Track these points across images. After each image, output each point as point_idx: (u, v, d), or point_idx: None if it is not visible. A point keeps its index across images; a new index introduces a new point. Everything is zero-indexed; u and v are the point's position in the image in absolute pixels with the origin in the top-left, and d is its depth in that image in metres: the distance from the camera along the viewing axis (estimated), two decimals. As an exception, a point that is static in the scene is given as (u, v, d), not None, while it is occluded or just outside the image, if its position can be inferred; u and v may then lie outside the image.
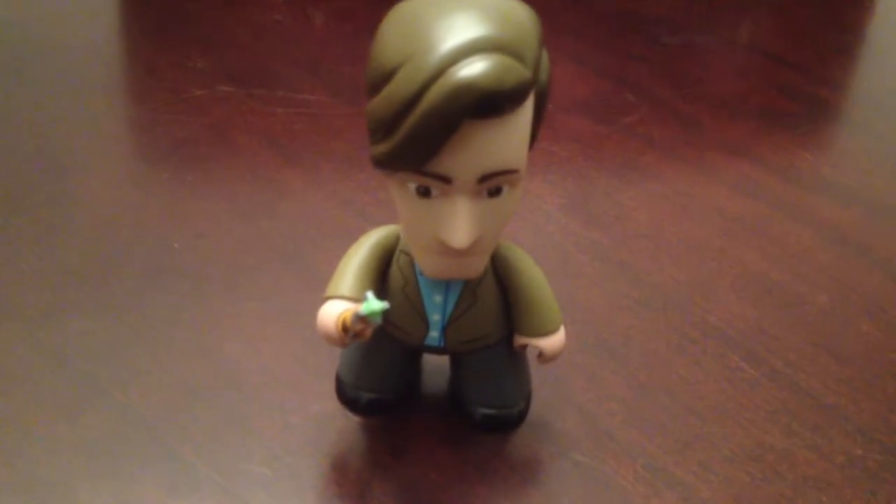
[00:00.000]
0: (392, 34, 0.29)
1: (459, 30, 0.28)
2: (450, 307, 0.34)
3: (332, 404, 0.37)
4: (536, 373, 0.38)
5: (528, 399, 0.37)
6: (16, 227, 0.46)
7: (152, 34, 0.64)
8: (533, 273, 0.34)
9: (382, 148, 0.29)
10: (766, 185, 0.54)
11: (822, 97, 0.63)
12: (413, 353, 0.37)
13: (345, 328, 0.31)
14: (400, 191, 0.30)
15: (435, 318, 0.34)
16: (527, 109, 0.29)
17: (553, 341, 0.34)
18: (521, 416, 0.37)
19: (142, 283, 0.43)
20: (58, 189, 0.49)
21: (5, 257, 0.44)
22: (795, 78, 0.65)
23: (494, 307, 0.34)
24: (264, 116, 0.56)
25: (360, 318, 0.30)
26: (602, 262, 0.47)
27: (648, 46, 0.68)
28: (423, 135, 0.28)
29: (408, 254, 0.33)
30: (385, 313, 0.30)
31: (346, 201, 0.50)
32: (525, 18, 0.29)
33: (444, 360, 0.38)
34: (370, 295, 0.29)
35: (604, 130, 0.57)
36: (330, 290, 0.33)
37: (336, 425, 0.37)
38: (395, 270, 0.34)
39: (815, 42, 0.71)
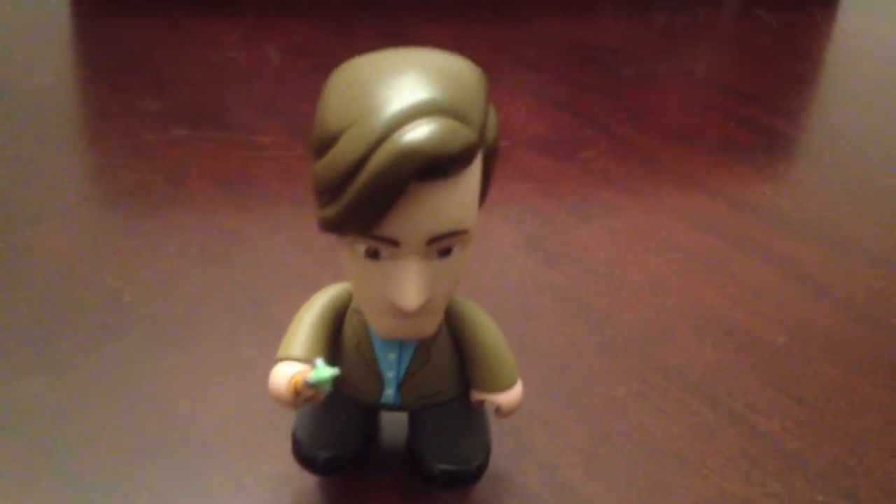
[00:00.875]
0: (336, 97, 0.28)
1: (403, 93, 0.27)
2: (404, 365, 0.33)
3: (288, 463, 0.37)
4: (495, 425, 0.37)
5: (487, 453, 0.37)
6: (-37, 283, 0.45)
7: (105, 76, 0.64)
8: (488, 328, 0.34)
9: (329, 212, 0.29)
10: (725, 220, 0.54)
11: (779, 129, 0.64)
12: (370, 411, 0.36)
13: (297, 391, 0.30)
14: (349, 253, 0.30)
15: (389, 375, 0.33)
16: (474, 170, 0.29)
17: (510, 397, 0.34)
18: (480, 471, 0.37)
19: (94, 339, 0.43)
20: (8, 241, 0.48)
21: (-48, 315, 0.43)
22: (753, 109, 0.66)
23: (450, 363, 0.34)
24: (219, 160, 0.56)
25: (310, 385, 0.29)
26: (561, 304, 0.47)
27: (606, 77, 0.68)
28: (369, 199, 0.27)
29: (360, 313, 0.33)
30: (340, 373, 0.29)
31: (304, 246, 0.49)
32: (470, 78, 0.29)
33: (402, 417, 0.37)
34: (320, 362, 0.29)
35: (561, 167, 0.57)
36: (281, 352, 0.32)
37: (292, 485, 0.36)
38: (348, 329, 0.33)
39: (773, 71, 0.71)
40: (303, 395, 0.30)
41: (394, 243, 0.28)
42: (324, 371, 0.28)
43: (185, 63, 0.66)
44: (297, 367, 0.31)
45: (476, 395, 0.34)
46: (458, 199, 0.28)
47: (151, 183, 0.53)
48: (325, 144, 0.28)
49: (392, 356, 0.33)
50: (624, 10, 0.79)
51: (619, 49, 0.72)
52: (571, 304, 0.47)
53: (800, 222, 0.54)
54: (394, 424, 0.38)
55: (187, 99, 0.61)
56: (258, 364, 0.41)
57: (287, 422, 0.37)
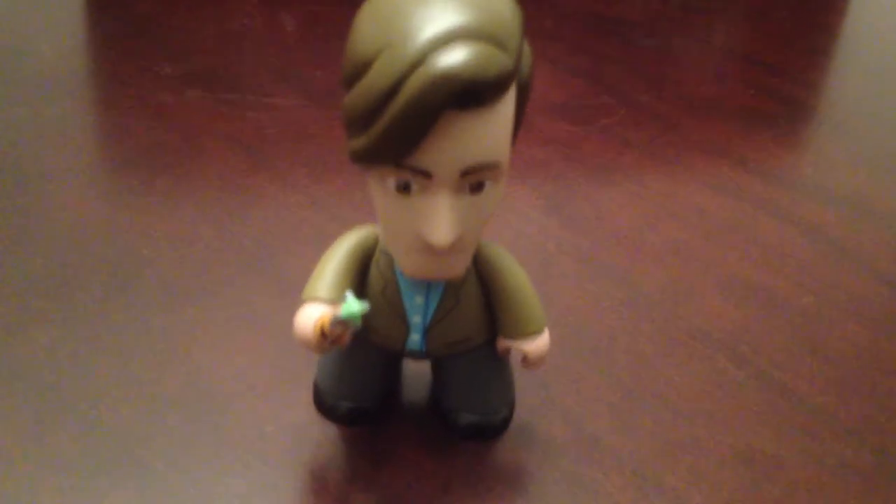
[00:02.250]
0: (368, 24, 0.27)
1: (439, 17, 0.26)
2: (431, 309, 0.32)
3: (310, 413, 0.36)
4: (520, 378, 0.37)
5: (511, 405, 0.36)
6: (-23, 236, 0.44)
7: (119, 41, 0.63)
8: (516, 274, 0.33)
9: (360, 142, 0.28)
10: (747, 186, 0.53)
11: (799, 98, 0.63)
12: (394, 359, 0.36)
13: (323, 333, 0.30)
14: (379, 187, 0.29)
15: (416, 320, 0.33)
16: (509, 101, 0.28)
17: (537, 344, 0.33)
18: (505, 423, 0.36)
19: (110, 292, 0.42)
20: (25, 198, 0.47)
21: (-34, 267, 0.43)
22: (772, 79, 0.65)
23: (477, 309, 0.33)
24: (234, 121, 0.55)
25: (340, 322, 0.28)
26: (584, 264, 0.46)
27: (624, 49, 0.67)
28: (402, 127, 0.27)
29: (387, 255, 0.32)
30: (365, 317, 0.29)
31: (320, 205, 0.48)
32: (507, 7, 0.28)
33: (425, 367, 0.37)
34: (349, 295, 0.28)
35: (581, 132, 0.57)
36: (307, 293, 0.32)
37: (314, 435, 0.36)
38: (374, 272, 0.33)
39: (791, 43, 0.70)
40: (330, 335, 0.29)
41: (426, 175, 0.28)
42: (354, 305, 0.28)
43: (199, 29, 0.65)
44: (322, 309, 0.31)
45: (503, 342, 0.34)
46: (493, 130, 0.28)
47: (166, 142, 0.52)
48: (356, 73, 0.27)
49: (419, 300, 0.32)
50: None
51: (637, 21, 0.72)
52: (594, 265, 0.46)
53: (821, 187, 0.53)
54: (417, 376, 0.38)
55: (201, 63, 0.61)
56: (274, 317, 0.41)
57: (307, 372, 0.37)
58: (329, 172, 0.51)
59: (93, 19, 0.67)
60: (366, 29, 0.27)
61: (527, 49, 0.29)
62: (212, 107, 0.56)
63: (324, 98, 0.57)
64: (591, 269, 0.46)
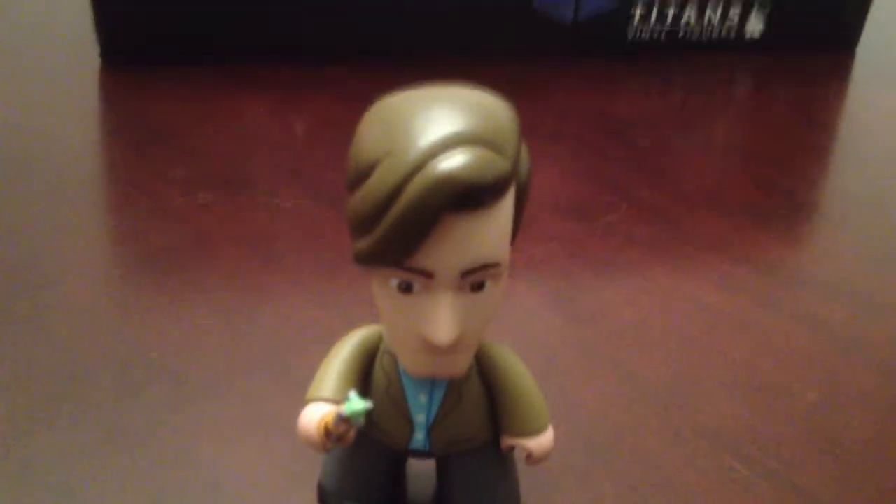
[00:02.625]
0: (371, 130, 0.29)
1: (438, 124, 0.28)
2: (434, 407, 0.33)
3: (315, 514, 0.36)
4: (525, 477, 0.37)
5: None
6: (-8, 338, 0.45)
7: (134, 146, 0.65)
8: (519, 371, 0.34)
9: (363, 244, 0.29)
10: (749, 281, 0.54)
11: (799, 193, 0.64)
12: (398, 459, 0.36)
13: (327, 432, 0.30)
14: (381, 288, 0.30)
15: (420, 418, 0.33)
16: (507, 203, 0.29)
17: (541, 441, 0.33)
18: (511, 522, 0.36)
19: (121, 391, 0.42)
20: (39, 298, 0.48)
21: (-22, 368, 0.43)
22: (771, 174, 0.66)
23: (480, 407, 0.33)
24: (245, 222, 0.56)
25: (343, 420, 0.29)
26: (589, 360, 0.46)
27: (625, 147, 0.69)
28: (403, 229, 0.27)
29: (391, 354, 0.33)
30: (368, 415, 0.29)
31: (329, 303, 0.49)
32: (503, 113, 0.29)
33: (429, 468, 0.37)
34: (353, 394, 0.29)
35: (585, 229, 0.58)
36: (311, 393, 0.32)
37: (318, 536, 0.36)
38: (378, 371, 0.33)
39: (790, 140, 0.72)
40: (333, 434, 0.30)
41: (427, 275, 0.28)
42: (356, 404, 0.28)
43: (212, 135, 0.67)
44: (326, 408, 0.31)
45: (506, 441, 0.34)
46: (492, 231, 0.29)
47: (177, 244, 0.54)
48: (359, 178, 0.28)
49: (423, 398, 0.33)
50: (641, 87, 0.81)
51: (637, 121, 0.73)
52: (599, 361, 0.46)
53: (823, 282, 0.54)
54: (422, 477, 0.38)
55: (214, 167, 0.62)
56: (282, 418, 0.41)
57: (312, 473, 0.37)
58: (338, 271, 0.52)
59: (109, 125, 0.70)
60: (368, 136, 0.29)
61: (524, 152, 0.30)
62: (223, 208, 0.57)
63: (333, 199, 0.59)
64: (595, 365, 0.46)
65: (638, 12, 0.84)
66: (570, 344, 0.47)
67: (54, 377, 0.43)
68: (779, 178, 0.66)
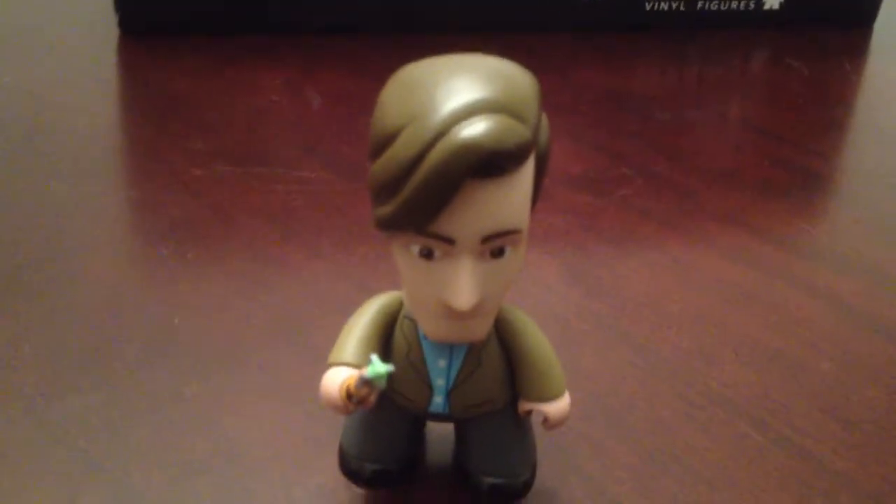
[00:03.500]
0: (394, 98, 0.29)
1: (460, 92, 0.28)
2: (454, 371, 0.33)
3: (336, 477, 0.37)
4: (540, 442, 0.37)
5: (533, 468, 0.37)
6: (17, 308, 0.46)
7: (153, 119, 0.65)
8: (537, 337, 0.34)
9: (385, 210, 0.29)
10: (764, 255, 0.54)
11: (814, 169, 0.64)
12: (417, 422, 0.37)
13: (348, 394, 0.31)
14: (402, 254, 0.30)
15: (439, 382, 0.34)
16: (528, 170, 0.29)
17: (558, 406, 0.34)
18: (527, 486, 0.36)
19: (141, 360, 0.43)
20: (59, 270, 0.49)
21: (6, 337, 0.44)
22: (787, 151, 0.66)
23: (499, 371, 0.34)
24: (263, 194, 0.57)
25: (365, 382, 0.29)
26: (604, 332, 0.47)
27: (641, 122, 0.69)
28: (425, 195, 0.28)
29: (411, 319, 0.33)
30: (389, 379, 0.30)
31: (346, 275, 0.50)
32: (525, 82, 0.29)
33: (449, 430, 0.37)
34: (375, 357, 0.29)
35: (600, 203, 0.58)
36: (332, 357, 0.33)
37: (340, 498, 0.36)
38: (398, 336, 0.34)
39: (805, 116, 0.72)
40: (355, 396, 0.30)
41: (449, 241, 0.29)
42: (379, 366, 0.29)
43: (228, 107, 0.67)
44: (348, 372, 0.32)
45: (524, 405, 0.35)
46: (512, 198, 0.29)
47: (196, 216, 0.54)
48: (381, 145, 0.29)
49: (442, 363, 0.33)
50: (657, 62, 0.81)
51: (653, 96, 0.73)
52: (613, 332, 0.47)
53: (838, 256, 0.54)
54: (440, 439, 0.38)
55: (231, 140, 0.63)
56: (302, 386, 0.41)
57: (333, 438, 0.37)
58: (355, 243, 0.52)
59: (128, 99, 0.70)
60: (391, 103, 0.29)
61: (544, 121, 0.31)
62: (241, 180, 0.58)
63: (350, 171, 0.59)
64: (610, 336, 0.47)
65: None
66: (584, 316, 0.48)
67: (79, 346, 0.44)
68: (794, 153, 0.66)
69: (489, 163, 0.28)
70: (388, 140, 0.29)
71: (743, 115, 0.73)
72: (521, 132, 0.28)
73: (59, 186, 0.56)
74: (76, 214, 0.54)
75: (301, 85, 0.72)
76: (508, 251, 0.30)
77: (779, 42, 0.85)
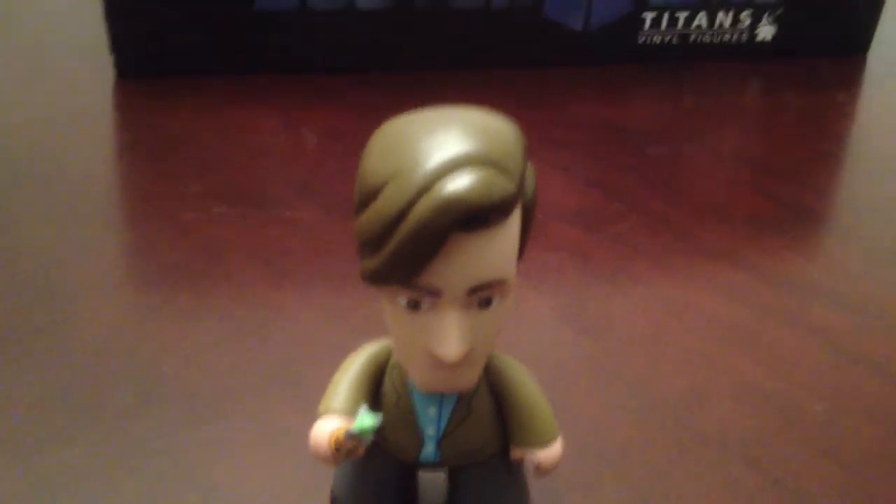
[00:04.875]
0: (378, 152, 0.29)
1: (445, 146, 0.28)
2: (444, 420, 0.33)
3: (328, 526, 0.37)
4: (533, 488, 0.37)
5: (526, 515, 0.37)
6: (7, 354, 0.46)
7: (149, 161, 0.66)
8: (527, 383, 0.34)
9: (372, 263, 0.29)
10: (758, 292, 0.54)
11: (808, 204, 0.64)
12: (409, 471, 0.36)
13: (337, 446, 0.31)
14: (390, 305, 0.30)
15: (430, 431, 0.34)
16: (514, 221, 0.29)
17: (549, 452, 0.34)
18: (521, 534, 0.36)
19: (133, 408, 0.43)
20: (52, 315, 0.49)
21: (0, 385, 0.44)
22: (781, 185, 0.66)
23: (489, 418, 0.34)
24: (257, 236, 0.57)
25: (352, 436, 0.29)
26: (596, 372, 0.47)
27: (634, 156, 0.69)
28: (411, 249, 0.28)
29: (400, 368, 0.33)
30: (379, 429, 0.30)
31: (339, 317, 0.50)
32: (509, 134, 0.30)
33: (440, 480, 0.37)
34: (363, 410, 0.29)
35: (593, 239, 0.58)
36: (322, 407, 0.33)
37: (331, 548, 0.36)
38: (387, 385, 0.34)
39: (799, 149, 0.72)
40: (344, 447, 0.30)
41: (435, 293, 0.29)
42: (366, 420, 0.29)
43: (225, 147, 0.68)
44: (337, 422, 0.32)
45: (516, 452, 0.34)
46: (498, 249, 0.29)
47: (190, 259, 0.54)
48: (367, 198, 0.29)
49: (432, 411, 0.33)
50: (651, 95, 0.81)
51: (647, 130, 0.74)
52: (606, 372, 0.47)
53: (832, 293, 0.54)
54: (433, 488, 0.38)
55: (227, 180, 0.63)
56: (294, 434, 0.41)
57: (325, 486, 0.37)
58: (349, 286, 0.52)
59: (123, 140, 0.70)
60: (376, 157, 0.29)
61: (530, 171, 0.31)
62: (235, 222, 0.58)
63: (344, 212, 0.59)
64: (603, 377, 0.46)
65: (649, 17, 0.84)
66: (577, 355, 0.48)
67: (69, 393, 0.44)
68: (788, 188, 0.66)
69: (474, 217, 0.28)
70: (372, 194, 0.29)
71: (737, 148, 0.73)
72: (505, 185, 0.28)
73: (52, 228, 0.57)
74: (68, 259, 0.54)
75: (297, 124, 0.72)
76: (496, 300, 0.30)
77: (772, 73, 0.86)
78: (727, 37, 0.87)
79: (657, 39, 0.85)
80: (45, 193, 0.61)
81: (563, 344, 0.49)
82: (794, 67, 0.86)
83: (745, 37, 0.88)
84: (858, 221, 0.63)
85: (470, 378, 0.32)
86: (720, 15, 0.86)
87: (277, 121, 0.72)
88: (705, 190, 0.66)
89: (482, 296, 0.30)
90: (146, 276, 0.53)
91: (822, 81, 0.84)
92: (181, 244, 0.56)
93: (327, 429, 0.32)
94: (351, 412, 0.32)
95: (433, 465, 0.35)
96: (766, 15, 0.87)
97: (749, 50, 0.88)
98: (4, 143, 0.67)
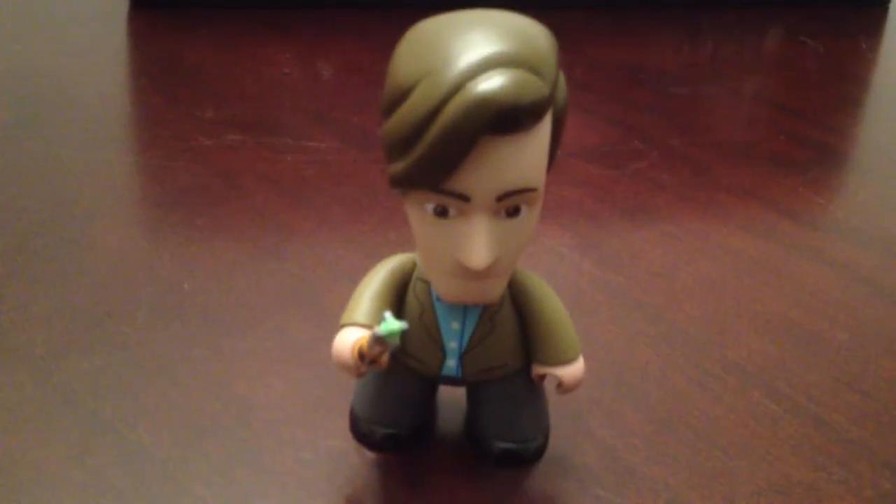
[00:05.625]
0: (409, 53, 0.29)
1: (477, 46, 0.27)
2: (467, 334, 0.33)
3: (346, 441, 0.36)
4: (554, 408, 0.37)
5: (546, 433, 0.36)
6: (26, 272, 0.46)
7: (162, 87, 0.65)
8: (551, 301, 0.34)
9: (399, 167, 0.29)
10: (779, 227, 0.53)
11: (829, 144, 0.64)
12: (429, 386, 0.36)
13: (360, 355, 0.30)
14: (416, 212, 0.30)
15: (452, 345, 0.33)
16: (545, 127, 0.29)
17: (572, 370, 0.34)
18: (540, 451, 0.36)
19: (152, 324, 0.43)
20: (68, 234, 0.49)
21: (17, 300, 0.44)
22: (802, 126, 0.65)
23: (512, 335, 0.34)
24: (273, 163, 0.56)
25: (378, 340, 0.29)
26: (617, 301, 0.46)
27: (655, 97, 0.69)
28: (441, 151, 0.27)
29: (424, 281, 0.33)
30: (403, 337, 0.29)
31: (355, 243, 0.49)
32: (543, 38, 0.29)
33: (460, 396, 0.37)
34: (388, 314, 0.29)
35: (614, 175, 0.57)
36: (345, 318, 0.32)
37: (350, 462, 0.36)
38: (411, 298, 0.33)
39: (819, 92, 0.71)
40: (367, 356, 0.30)
41: (464, 199, 0.28)
42: (392, 324, 0.28)
43: (239, 78, 0.67)
44: (360, 333, 0.31)
45: (538, 370, 0.34)
46: (529, 155, 0.28)
47: (206, 184, 0.54)
48: (396, 100, 0.28)
49: (455, 325, 0.33)
50: (671, 38, 0.80)
51: (667, 72, 0.73)
52: (627, 302, 0.46)
53: (854, 229, 0.54)
54: (452, 404, 0.38)
55: (242, 109, 0.62)
56: (312, 350, 0.41)
57: (344, 401, 0.37)
58: (364, 212, 0.52)
59: (138, 67, 0.70)
60: (406, 57, 0.29)
61: (562, 78, 0.30)
62: (251, 149, 0.58)
63: (360, 141, 0.59)
64: (624, 306, 0.46)
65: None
66: (597, 285, 0.47)
67: (89, 309, 0.43)
68: (809, 129, 0.65)
69: (506, 118, 0.27)
70: (402, 95, 0.28)
71: (757, 90, 0.73)
72: (538, 87, 0.27)
73: (68, 153, 0.56)
74: (85, 180, 0.54)
75: (312, 57, 0.71)
76: (524, 210, 0.30)
77: (794, 20, 0.84)
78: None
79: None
80: (63, 120, 0.60)
81: (583, 274, 0.48)
82: (817, 15, 0.85)
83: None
84: (879, 162, 0.62)
85: (495, 290, 0.32)
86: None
87: (291, 54, 0.71)
88: (726, 129, 0.65)
89: (511, 203, 0.29)
90: (162, 198, 0.53)
91: (844, 29, 0.83)
92: (196, 168, 0.55)
93: (350, 338, 0.31)
94: (374, 323, 0.32)
95: (455, 381, 0.34)
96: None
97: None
98: (23, 71, 0.66)
